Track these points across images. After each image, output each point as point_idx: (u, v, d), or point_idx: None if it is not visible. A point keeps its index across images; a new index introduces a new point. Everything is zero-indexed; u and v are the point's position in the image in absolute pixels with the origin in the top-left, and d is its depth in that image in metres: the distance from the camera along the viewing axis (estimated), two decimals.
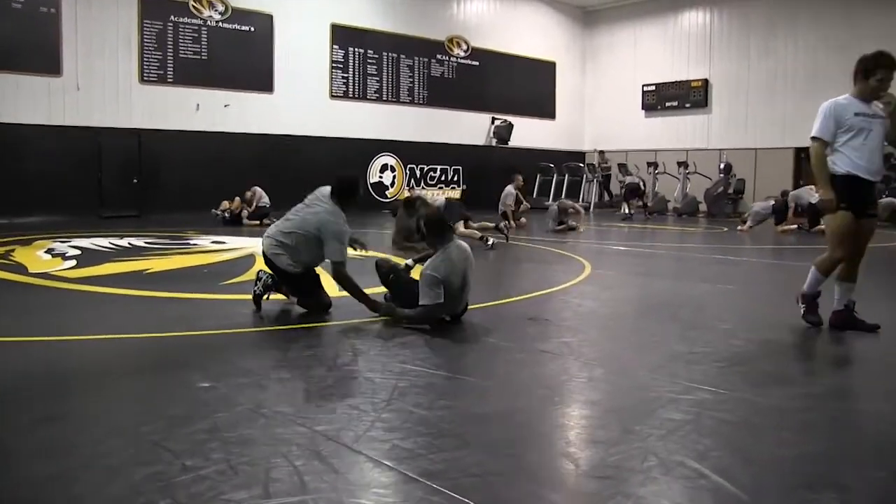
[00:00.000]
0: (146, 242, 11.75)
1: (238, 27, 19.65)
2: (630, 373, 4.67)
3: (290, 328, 5.85)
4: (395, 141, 23.10)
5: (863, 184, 5.50)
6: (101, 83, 17.56)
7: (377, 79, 22.66)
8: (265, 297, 6.39)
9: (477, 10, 25.12)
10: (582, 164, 25.65)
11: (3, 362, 4.71)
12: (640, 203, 21.95)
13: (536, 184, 25.44)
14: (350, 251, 6.35)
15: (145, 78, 18.25)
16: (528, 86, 26.31)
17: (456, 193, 24.75)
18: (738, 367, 4.74)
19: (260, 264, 6.91)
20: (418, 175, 23.98)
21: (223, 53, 19.28)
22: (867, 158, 5.46)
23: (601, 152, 26.03)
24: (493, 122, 25.31)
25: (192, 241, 12.24)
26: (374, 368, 4.58)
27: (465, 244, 6.06)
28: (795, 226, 16.26)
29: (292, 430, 3.39)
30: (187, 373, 4.44)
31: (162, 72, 18.48)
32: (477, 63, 24.91)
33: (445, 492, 2.74)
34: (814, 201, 16.13)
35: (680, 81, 25.17)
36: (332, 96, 21.69)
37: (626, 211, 21.65)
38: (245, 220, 15.97)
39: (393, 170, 23.30)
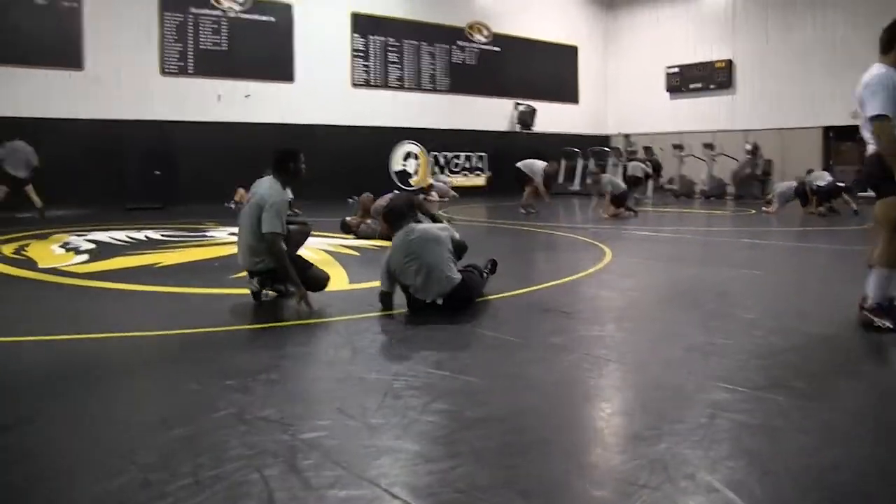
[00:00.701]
0: (163, 235, 11.61)
1: (258, 17, 19.52)
2: (644, 368, 4.40)
3: (288, 324, 5.62)
4: (418, 129, 22.89)
5: None
6: (123, 76, 17.51)
7: (398, 66, 22.43)
8: (263, 292, 6.19)
9: None
10: (607, 149, 25.25)
11: None
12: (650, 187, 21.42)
13: (562, 169, 25.08)
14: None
15: (166, 70, 18.18)
16: (551, 70, 25.98)
17: (480, 180, 24.52)
18: (759, 362, 4.41)
19: None
20: (442, 162, 23.75)
21: (243, 44, 19.17)
22: None
23: (626, 136, 25.63)
24: (516, 108, 24.99)
25: (208, 233, 12.08)
26: (370, 367, 4.34)
27: (423, 226, 5.95)
28: (822, 208, 15.76)
29: (272, 439, 3.15)
30: (175, 373, 4.24)
31: (183, 63, 18.40)
32: (498, 49, 24.59)
33: None
34: (822, 184, 15.72)
35: (704, 63, 24.71)
36: (354, 85, 21.51)
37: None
38: None
39: (416, 158, 23.08)
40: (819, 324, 5.46)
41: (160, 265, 8.66)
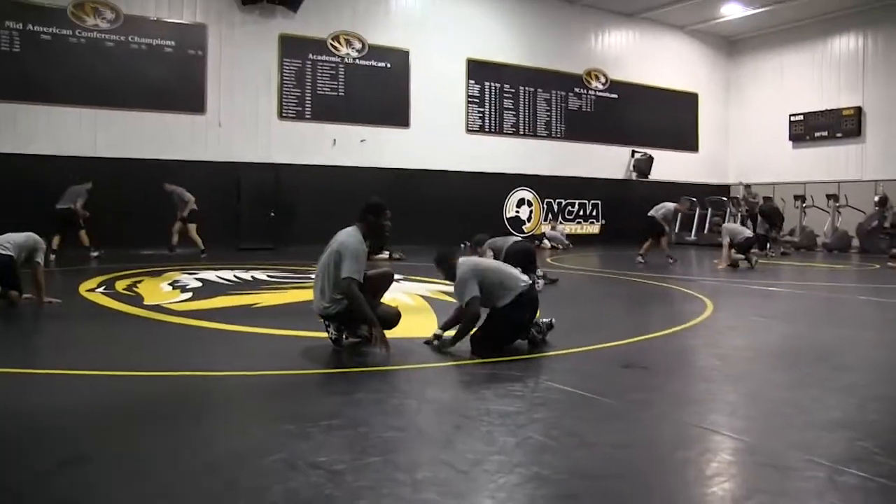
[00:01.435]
0: (269, 275, 11.86)
1: (374, 63, 19.96)
2: (738, 451, 4.12)
3: (365, 370, 5.58)
4: (532, 175, 22.85)
5: None
6: (242, 120, 18.22)
7: (514, 113, 22.50)
8: (343, 337, 6.19)
9: (616, 43, 24.65)
10: (725, 198, 24.55)
11: (51, 397, 4.68)
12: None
13: (678, 219, 24.53)
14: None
15: (284, 114, 18.77)
16: (669, 118, 25.56)
17: (595, 228, 24.21)
18: (847, 433, 4.06)
19: None
20: (556, 209, 23.60)
21: (359, 89, 19.63)
22: None
23: (747, 186, 24.87)
24: (632, 156, 24.67)
25: (313, 275, 12.23)
26: (432, 419, 4.25)
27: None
28: None
29: (315, 493, 3.08)
30: (240, 416, 4.27)
31: (300, 108, 18.96)
32: (616, 96, 24.40)
33: None
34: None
35: (830, 110, 23.85)
36: (468, 130, 21.68)
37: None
38: None
39: (530, 204, 23.00)
40: None
41: (258, 305, 8.83)
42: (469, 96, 21.68)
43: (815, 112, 24.22)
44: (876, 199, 20.97)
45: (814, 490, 3.23)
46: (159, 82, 17.18)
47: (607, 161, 24.36)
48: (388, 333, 5.94)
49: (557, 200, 23.64)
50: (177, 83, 17.45)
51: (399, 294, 9.75)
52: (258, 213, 17.95)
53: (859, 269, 15.93)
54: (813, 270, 15.73)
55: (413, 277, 11.82)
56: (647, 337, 7.14)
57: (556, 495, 3.11)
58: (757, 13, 23.67)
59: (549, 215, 23.39)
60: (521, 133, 22.67)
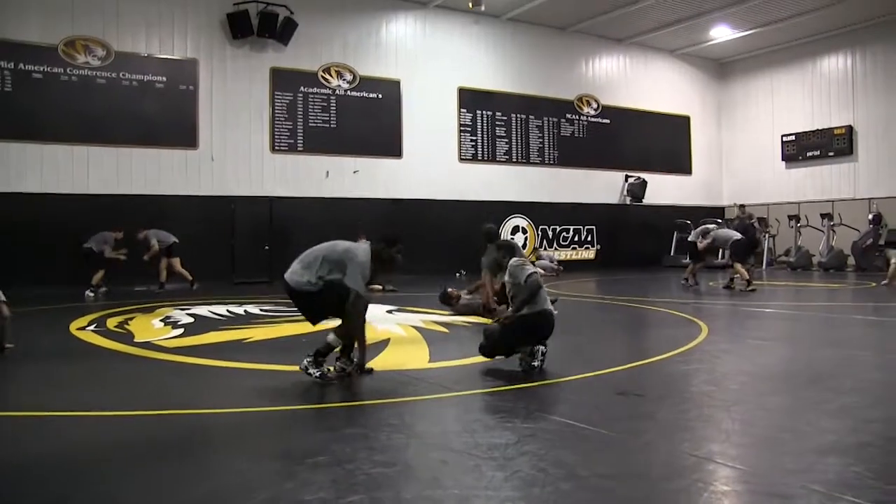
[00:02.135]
0: (262, 309, 11.79)
1: (366, 94, 20.00)
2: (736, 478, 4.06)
3: (354, 405, 5.52)
4: (526, 202, 22.79)
5: None
6: (235, 153, 18.21)
7: (506, 140, 22.51)
8: (327, 372, 6.12)
9: (607, 68, 24.74)
10: (720, 220, 24.54)
11: (37, 438, 4.62)
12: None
13: (673, 242, 24.58)
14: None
15: (276, 147, 18.76)
16: (662, 141, 25.61)
17: (590, 253, 24.15)
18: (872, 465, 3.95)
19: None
20: (550, 236, 23.54)
21: (351, 120, 19.64)
22: None
23: (742, 206, 24.83)
24: (626, 180, 24.67)
25: None
26: (419, 453, 4.18)
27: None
28: None
29: None
30: (225, 454, 4.20)
31: (292, 141, 18.96)
32: (608, 121, 24.45)
33: None
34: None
35: (821, 129, 23.90)
36: (461, 159, 21.66)
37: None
38: None
39: (525, 231, 22.95)
40: None
41: (249, 340, 8.76)
42: (461, 125, 21.70)
43: (806, 132, 24.28)
44: (870, 216, 20.97)
45: None
46: (151, 118, 17.17)
47: (601, 186, 24.35)
48: (380, 364, 5.89)
49: (552, 227, 23.58)
50: (169, 118, 17.45)
51: (392, 325, 9.70)
52: (253, 246, 17.88)
53: (855, 289, 15.88)
54: (808, 290, 15.69)
55: (407, 308, 11.76)
56: (641, 363, 7.08)
57: None
58: (746, 35, 23.77)
59: (544, 242, 23.31)
60: (514, 160, 22.67)
